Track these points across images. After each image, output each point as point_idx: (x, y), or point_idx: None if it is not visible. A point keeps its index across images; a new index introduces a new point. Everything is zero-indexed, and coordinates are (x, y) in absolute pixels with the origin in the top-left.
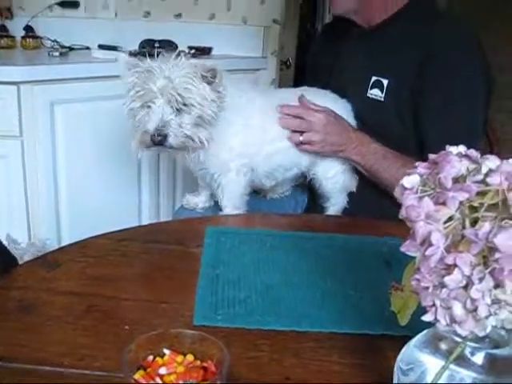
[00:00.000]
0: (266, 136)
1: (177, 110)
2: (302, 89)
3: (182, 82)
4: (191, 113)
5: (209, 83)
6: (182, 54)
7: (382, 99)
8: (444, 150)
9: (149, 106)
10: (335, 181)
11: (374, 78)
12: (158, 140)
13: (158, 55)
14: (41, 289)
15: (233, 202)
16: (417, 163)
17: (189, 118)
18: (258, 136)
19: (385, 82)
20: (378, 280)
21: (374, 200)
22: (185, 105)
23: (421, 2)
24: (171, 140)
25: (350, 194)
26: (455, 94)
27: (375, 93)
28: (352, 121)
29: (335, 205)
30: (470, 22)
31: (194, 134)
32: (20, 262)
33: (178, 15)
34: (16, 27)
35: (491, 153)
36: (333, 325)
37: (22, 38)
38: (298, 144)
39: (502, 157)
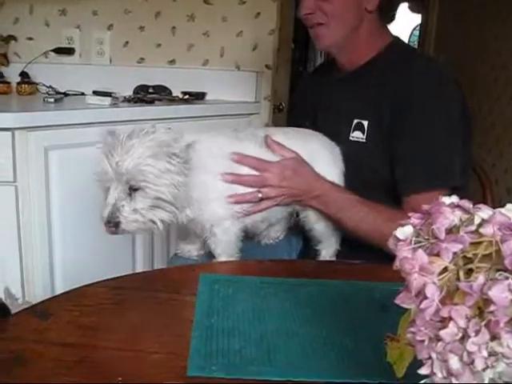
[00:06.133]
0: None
1: (129, 194)
2: (291, 128)
3: (134, 163)
4: (146, 196)
5: (174, 157)
6: (146, 129)
7: (364, 140)
8: (413, 191)
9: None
10: (327, 224)
11: (355, 121)
12: (110, 228)
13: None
14: (32, 340)
15: (227, 251)
16: (410, 214)
17: (144, 201)
18: (244, 189)
19: (365, 123)
20: (375, 326)
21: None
22: (138, 189)
23: (399, 42)
24: (124, 227)
25: (344, 236)
26: (429, 137)
27: (357, 135)
28: (341, 164)
29: (328, 247)
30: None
31: (147, 220)
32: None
33: (172, 61)
34: (12, 73)
35: (484, 194)
36: (329, 374)
37: (18, 83)
38: (258, 201)
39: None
